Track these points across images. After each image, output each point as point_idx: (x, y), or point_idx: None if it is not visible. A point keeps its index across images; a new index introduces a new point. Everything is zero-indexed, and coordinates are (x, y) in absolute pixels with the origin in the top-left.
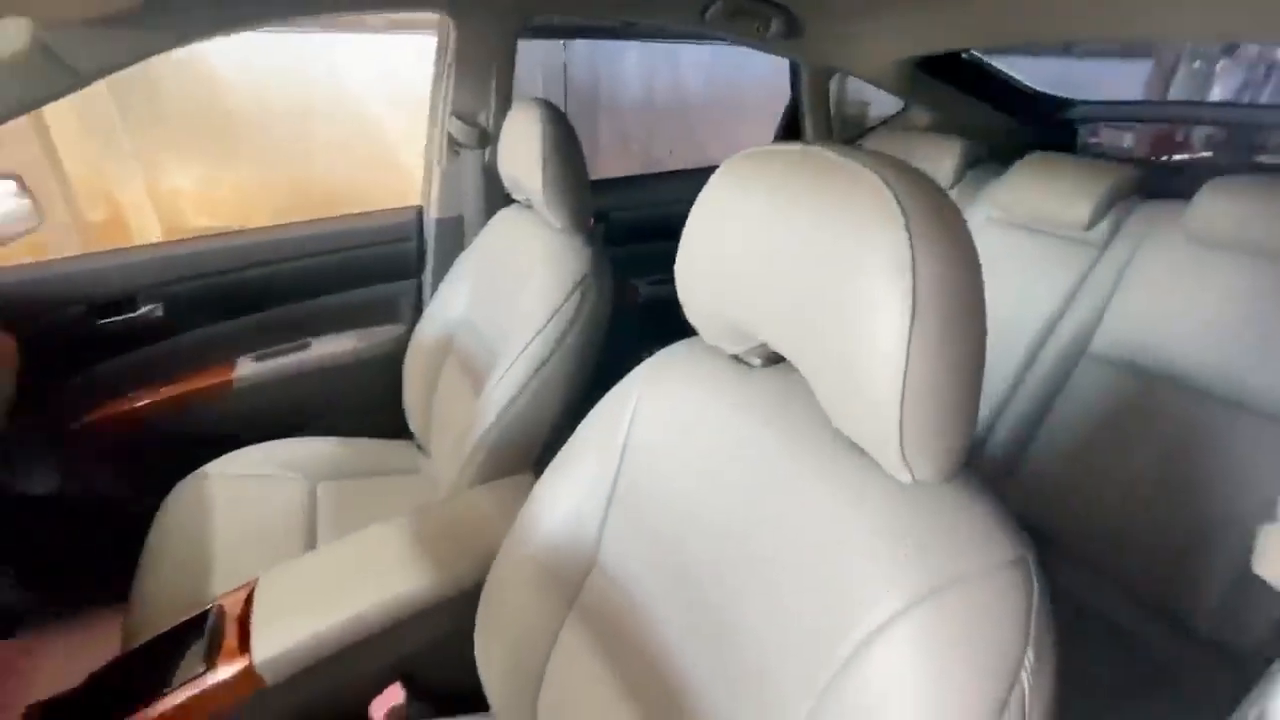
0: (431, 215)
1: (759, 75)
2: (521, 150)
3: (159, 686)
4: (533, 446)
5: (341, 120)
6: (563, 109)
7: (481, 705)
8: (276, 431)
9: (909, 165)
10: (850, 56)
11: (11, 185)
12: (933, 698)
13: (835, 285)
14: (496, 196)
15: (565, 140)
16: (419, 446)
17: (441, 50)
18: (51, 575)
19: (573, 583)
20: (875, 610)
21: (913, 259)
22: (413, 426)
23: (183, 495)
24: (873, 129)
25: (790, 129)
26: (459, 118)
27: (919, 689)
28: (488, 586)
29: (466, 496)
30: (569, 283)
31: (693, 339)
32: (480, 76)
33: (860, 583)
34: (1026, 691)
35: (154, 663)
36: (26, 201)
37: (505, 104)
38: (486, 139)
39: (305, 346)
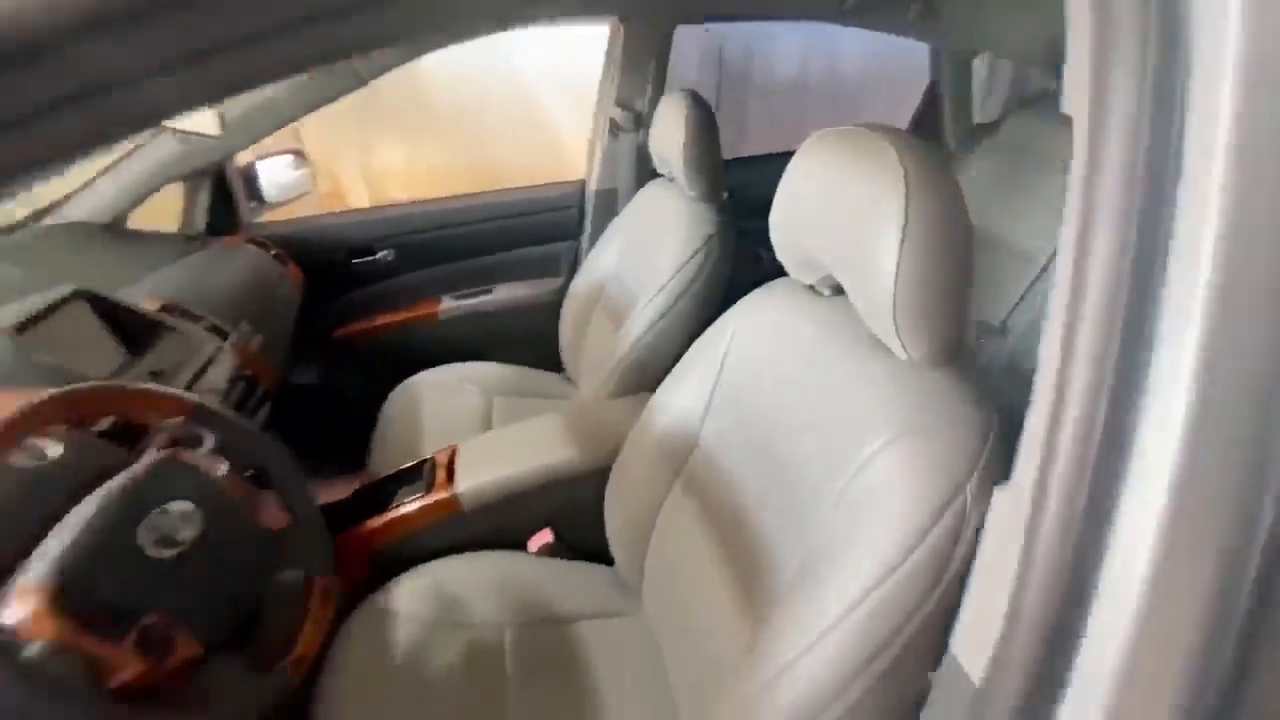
0: (591, 187)
1: (913, 55)
2: (668, 132)
3: (393, 502)
4: (657, 372)
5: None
6: (716, 92)
7: (607, 559)
8: (465, 355)
9: (913, 138)
10: (994, 36)
11: (291, 158)
12: (901, 492)
13: (862, 221)
14: (645, 172)
15: (704, 123)
16: (569, 379)
17: (610, 49)
18: (306, 447)
19: (679, 459)
20: (871, 444)
21: (906, 197)
22: (565, 362)
23: (401, 395)
24: (1012, 111)
25: (928, 110)
26: (620, 105)
27: (893, 487)
28: (616, 464)
29: (604, 404)
30: (697, 242)
31: (779, 280)
32: (640, 70)
33: (865, 428)
34: (969, 499)
35: (389, 490)
36: (302, 172)
37: (659, 93)
38: (641, 122)
39: (489, 291)
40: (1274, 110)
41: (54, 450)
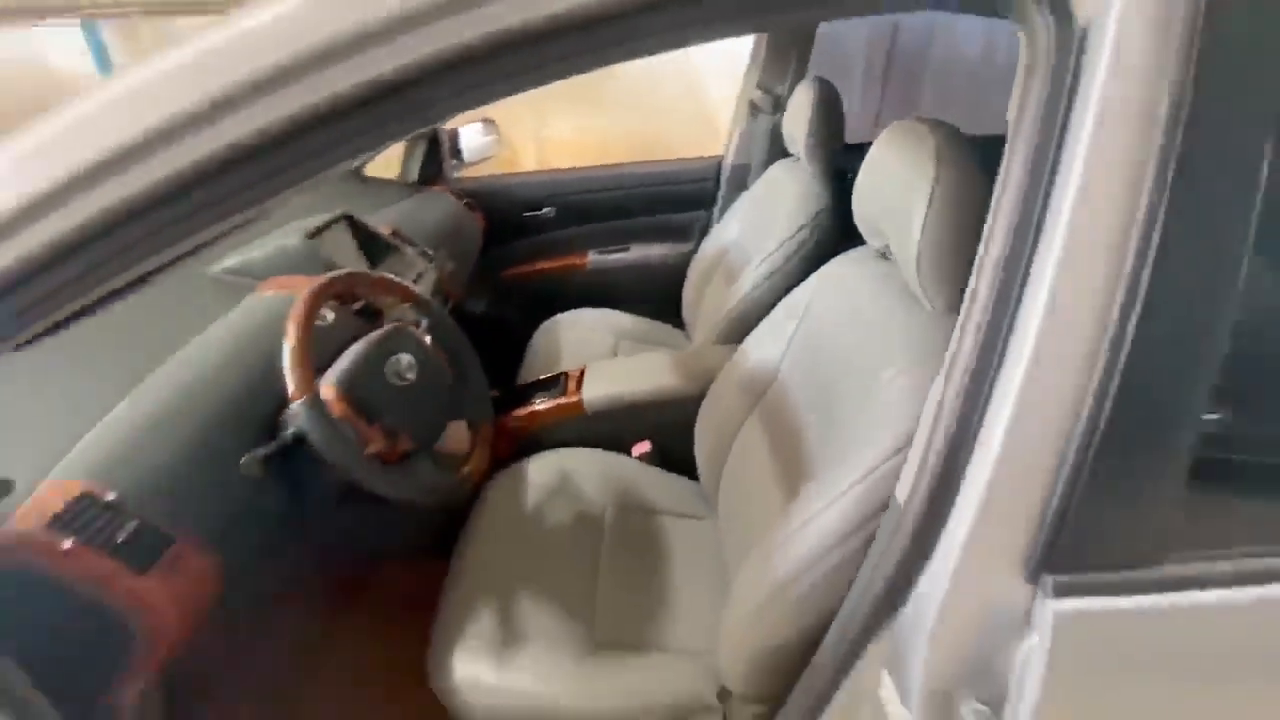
0: (727, 162)
1: None
2: (797, 114)
3: (533, 401)
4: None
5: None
6: (883, 71)
7: (692, 474)
8: (603, 303)
9: (952, 130)
10: None
11: (483, 125)
12: (901, 408)
13: (903, 194)
14: (777, 151)
15: (829, 109)
16: (687, 336)
17: (758, 38)
18: None
19: (758, 393)
20: (889, 372)
21: (934, 178)
22: (685, 319)
23: (548, 328)
24: None
25: None
26: (761, 89)
27: (898, 404)
28: (709, 394)
29: (708, 347)
30: (806, 216)
31: (859, 247)
32: (783, 58)
33: (889, 360)
34: None
35: (531, 392)
36: (492, 137)
37: (798, 79)
38: (779, 106)
39: (626, 249)
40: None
41: (330, 316)
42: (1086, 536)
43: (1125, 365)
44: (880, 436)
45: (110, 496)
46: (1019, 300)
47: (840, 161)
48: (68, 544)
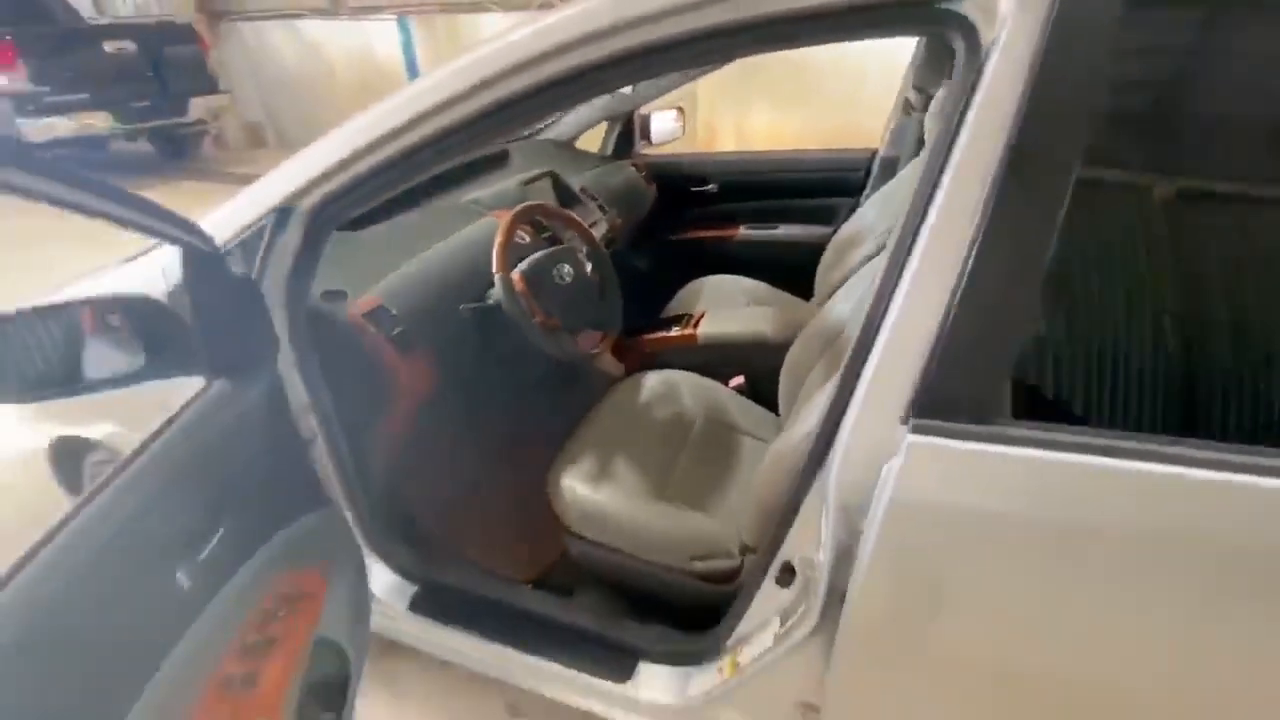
0: (880, 155)
1: None
2: (932, 115)
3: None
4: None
5: (891, 81)
6: None
7: (776, 409)
8: (746, 273)
9: None
10: None
11: (674, 113)
12: None
13: None
14: (923, 146)
15: None
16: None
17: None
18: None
19: (829, 341)
20: None
21: None
22: (816, 288)
23: (695, 285)
24: None
25: None
26: (916, 88)
27: None
28: (796, 342)
29: (811, 307)
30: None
31: None
32: (938, 60)
33: None
34: None
35: (664, 323)
36: (679, 124)
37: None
38: (929, 104)
39: (774, 228)
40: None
41: (527, 237)
42: (942, 397)
43: (966, 290)
44: None
45: (394, 311)
46: (910, 249)
47: None
48: (371, 329)
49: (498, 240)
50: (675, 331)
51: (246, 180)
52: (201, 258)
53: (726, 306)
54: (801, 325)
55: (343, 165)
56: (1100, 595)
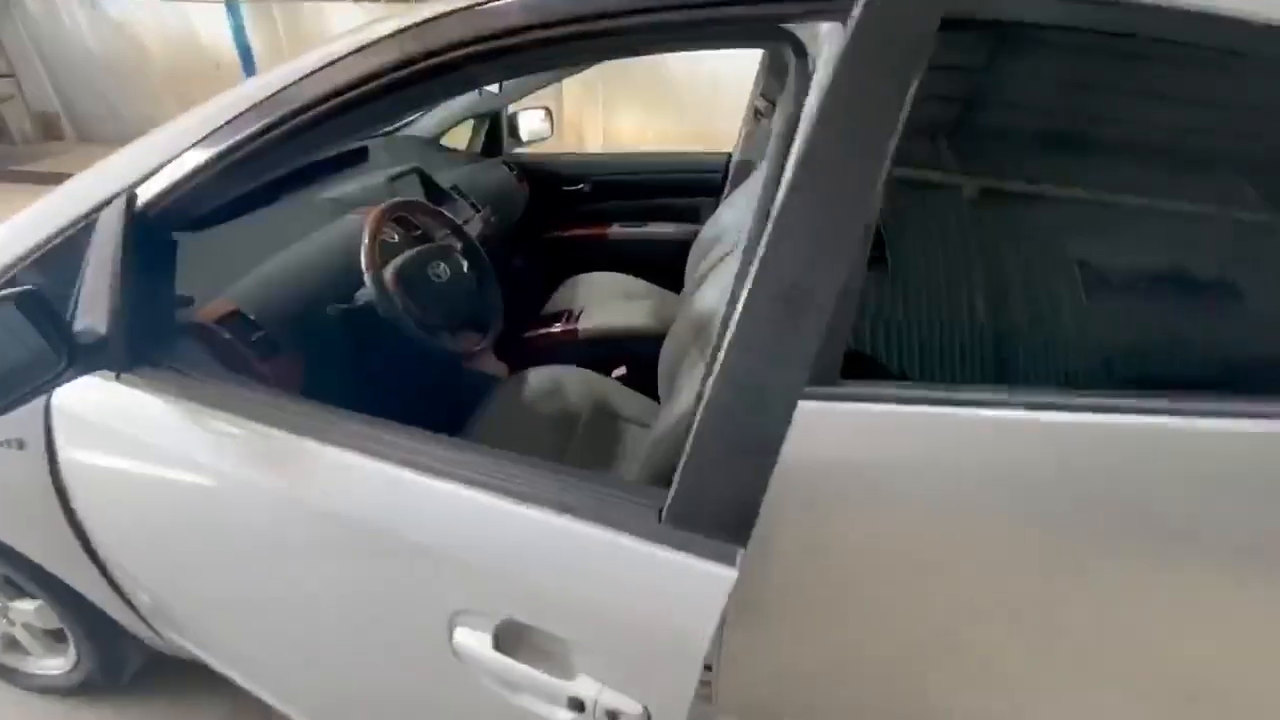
0: (735, 158)
1: None
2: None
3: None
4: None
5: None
6: None
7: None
8: (619, 269)
9: None
10: None
11: (542, 112)
12: None
13: None
14: None
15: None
16: None
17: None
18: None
19: (701, 328)
20: None
21: None
22: (685, 284)
23: (571, 283)
24: None
25: None
26: (764, 96)
27: None
28: (670, 330)
29: (684, 297)
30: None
31: None
32: (782, 70)
33: None
34: None
35: (544, 320)
36: (547, 124)
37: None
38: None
39: (644, 225)
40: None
41: (396, 236)
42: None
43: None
44: None
45: (251, 315)
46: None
47: None
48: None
49: (366, 237)
50: (557, 328)
51: (43, 179)
52: None
53: (604, 302)
54: (674, 313)
55: (183, 160)
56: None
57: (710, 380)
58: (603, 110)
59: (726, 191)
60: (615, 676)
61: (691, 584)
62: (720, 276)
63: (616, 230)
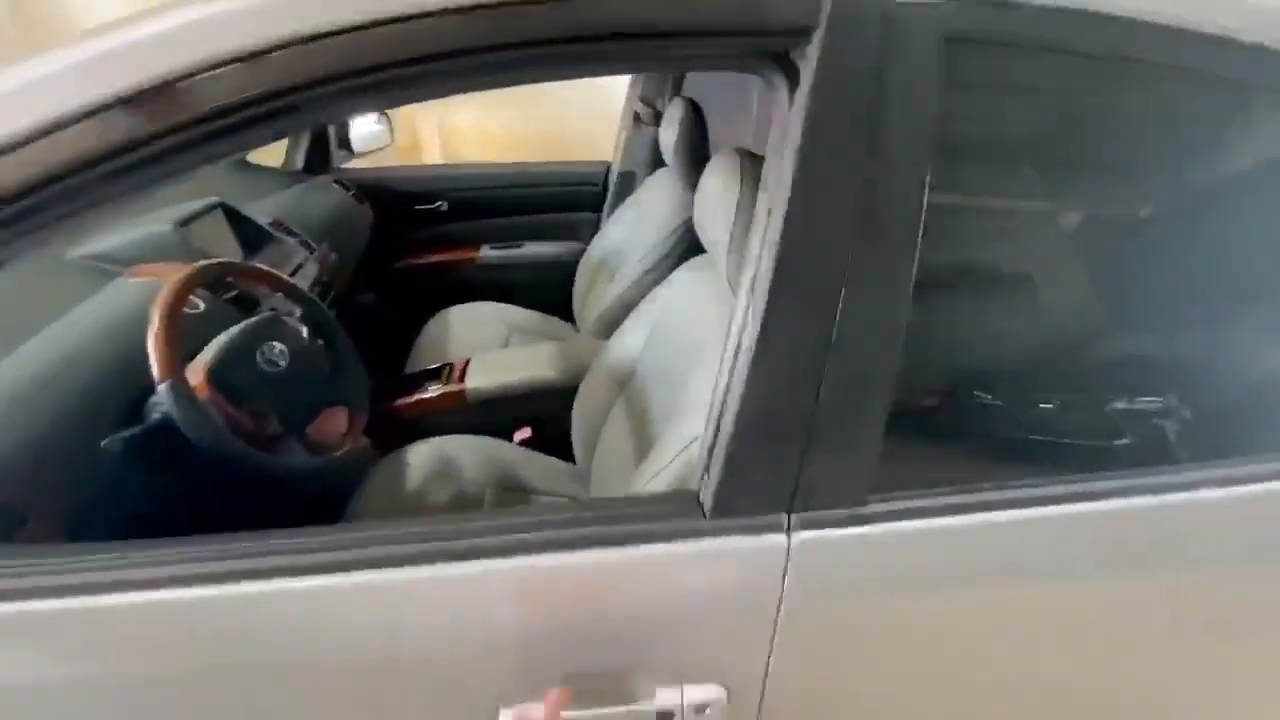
0: (615, 169)
1: None
2: (668, 129)
3: (419, 390)
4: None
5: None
6: None
7: (570, 457)
8: (495, 297)
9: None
10: None
11: (376, 115)
12: None
13: (724, 211)
14: (658, 160)
15: (693, 126)
16: (577, 330)
17: None
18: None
19: (623, 380)
20: (714, 348)
21: (737, 204)
22: (575, 314)
23: (439, 320)
24: None
25: None
26: (643, 101)
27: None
28: (582, 385)
29: (588, 340)
30: (677, 222)
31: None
32: (663, 75)
33: (712, 341)
34: None
35: (417, 381)
36: (383, 128)
37: (676, 93)
38: (658, 119)
39: (519, 245)
40: None
41: (201, 305)
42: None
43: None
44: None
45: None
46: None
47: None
48: None
49: (153, 322)
50: (436, 391)
51: None
52: None
53: (487, 342)
54: (583, 361)
55: None
56: None
57: (735, 370)
58: (438, 109)
59: (609, 206)
60: (693, 674)
61: (755, 559)
62: (642, 316)
63: (487, 253)
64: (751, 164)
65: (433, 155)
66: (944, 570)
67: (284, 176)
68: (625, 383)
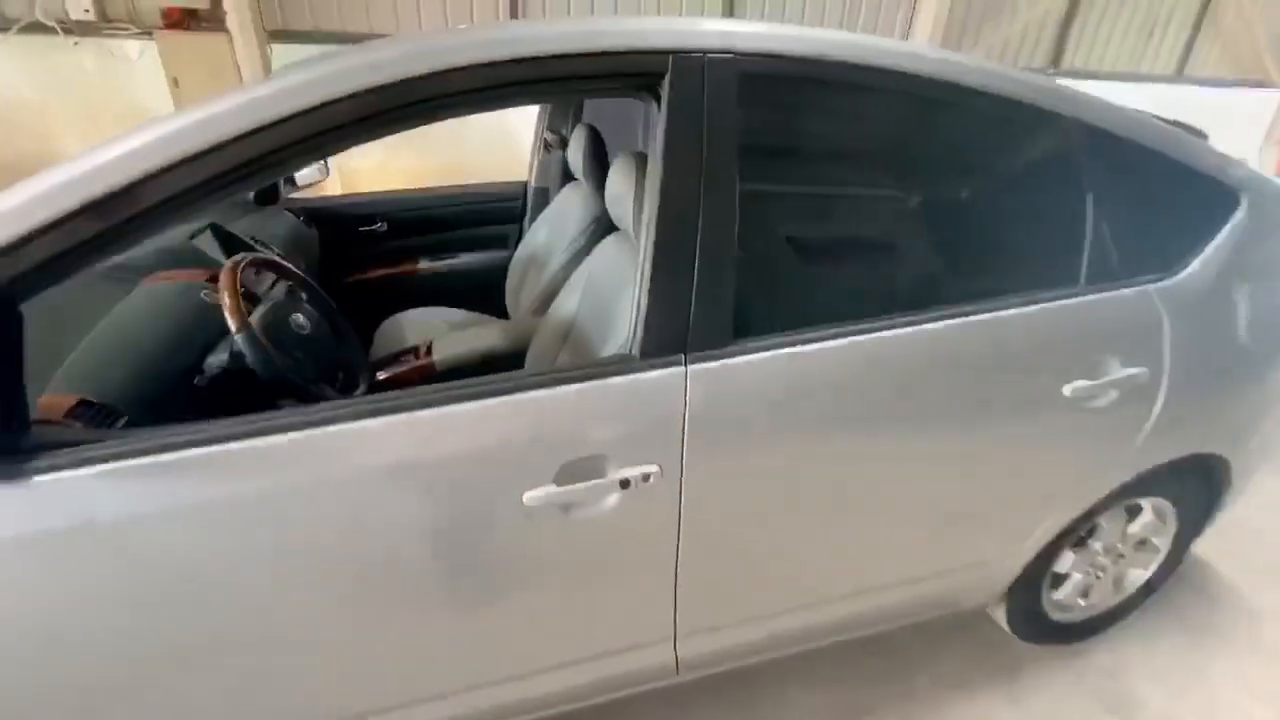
0: (531, 186)
1: None
2: (575, 150)
3: (396, 364)
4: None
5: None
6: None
7: None
8: (436, 302)
9: (643, 153)
10: None
11: None
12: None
13: (626, 197)
14: (567, 176)
15: (595, 147)
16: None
17: None
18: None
19: (565, 332)
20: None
21: (635, 188)
22: (508, 309)
23: (389, 325)
24: None
25: None
26: (550, 130)
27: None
28: (534, 339)
29: (529, 317)
30: (589, 220)
31: (616, 232)
32: (566, 105)
33: (628, 295)
34: None
35: (390, 362)
36: (317, 166)
37: (578, 120)
38: (564, 143)
39: (455, 256)
40: None
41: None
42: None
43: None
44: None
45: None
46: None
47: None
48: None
49: (226, 299)
50: (408, 365)
51: None
52: None
53: (444, 333)
54: (527, 332)
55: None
56: None
57: (644, 274)
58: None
59: (529, 216)
60: (637, 456)
61: (668, 383)
62: (574, 288)
63: (426, 265)
64: (640, 159)
65: (334, 192)
66: (791, 384)
67: (240, 205)
68: (568, 333)
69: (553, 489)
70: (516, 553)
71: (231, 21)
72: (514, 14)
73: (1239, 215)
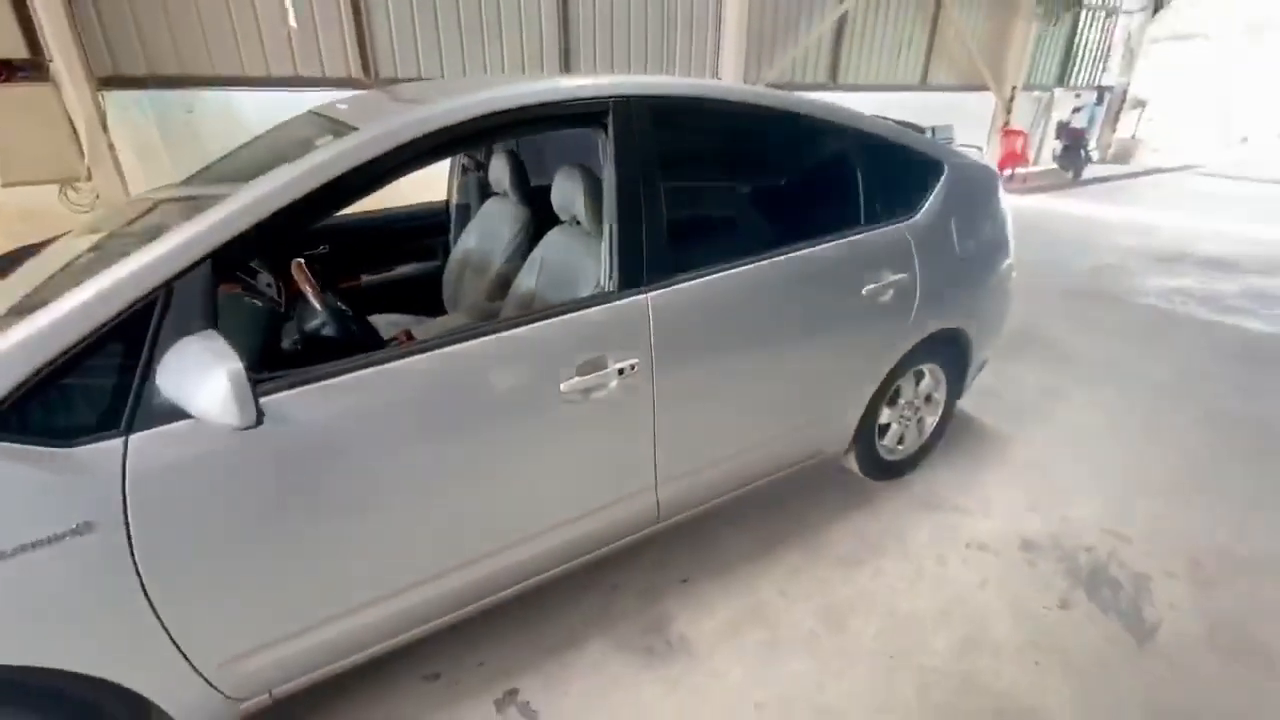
0: (453, 203)
1: None
2: (498, 169)
3: None
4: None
5: None
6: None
7: None
8: (380, 310)
9: (586, 167)
10: None
11: None
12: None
13: (575, 197)
14: (487, 193)
15: (516, 166)
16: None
17: None
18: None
19: (529, 303)
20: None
21: (583, 188)
22: (447, 307)
23: None
24: None
25: None
26: (467, 156)
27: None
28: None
29: (483, 303)
30: (522, 223)
31: (561, 225)
32: None
33: (589, 278)
34: None
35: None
36: None
37: (489, 150)
38: (480, 166)
39: (393, 269)
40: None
41: (258, 301)
42: None
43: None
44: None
45: None
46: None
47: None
48: None
49: (308, 284)
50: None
51: None
52: None
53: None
54: (483, 314)
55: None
56: None
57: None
58: None
59: (454, 228)
60: (625, 354)
61: (637, 304)
62: (531, 268)
63: (368, 278)
64: (582, 170)
65: None
66: (708, 300)
67: None
68: (532, 301)
69: (577, 379)
70: (559, 426)
71: (58, 69)
72: (366, 69)
73: (945, 176)
